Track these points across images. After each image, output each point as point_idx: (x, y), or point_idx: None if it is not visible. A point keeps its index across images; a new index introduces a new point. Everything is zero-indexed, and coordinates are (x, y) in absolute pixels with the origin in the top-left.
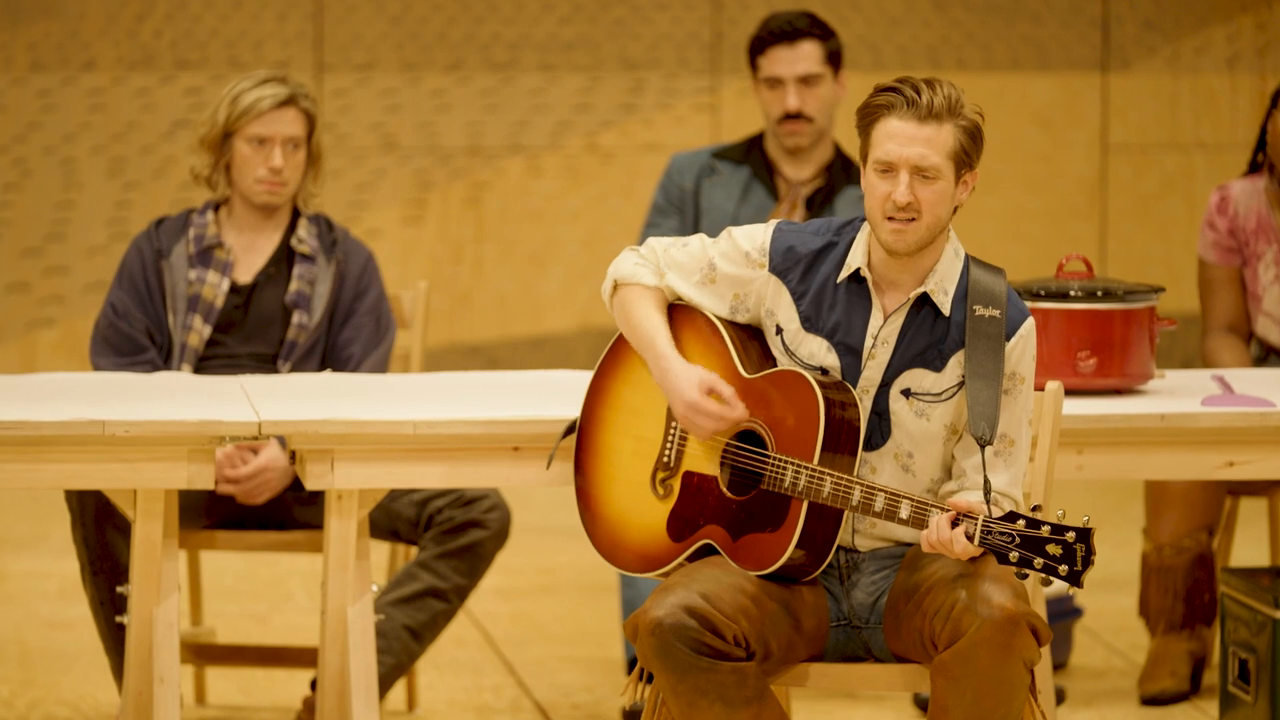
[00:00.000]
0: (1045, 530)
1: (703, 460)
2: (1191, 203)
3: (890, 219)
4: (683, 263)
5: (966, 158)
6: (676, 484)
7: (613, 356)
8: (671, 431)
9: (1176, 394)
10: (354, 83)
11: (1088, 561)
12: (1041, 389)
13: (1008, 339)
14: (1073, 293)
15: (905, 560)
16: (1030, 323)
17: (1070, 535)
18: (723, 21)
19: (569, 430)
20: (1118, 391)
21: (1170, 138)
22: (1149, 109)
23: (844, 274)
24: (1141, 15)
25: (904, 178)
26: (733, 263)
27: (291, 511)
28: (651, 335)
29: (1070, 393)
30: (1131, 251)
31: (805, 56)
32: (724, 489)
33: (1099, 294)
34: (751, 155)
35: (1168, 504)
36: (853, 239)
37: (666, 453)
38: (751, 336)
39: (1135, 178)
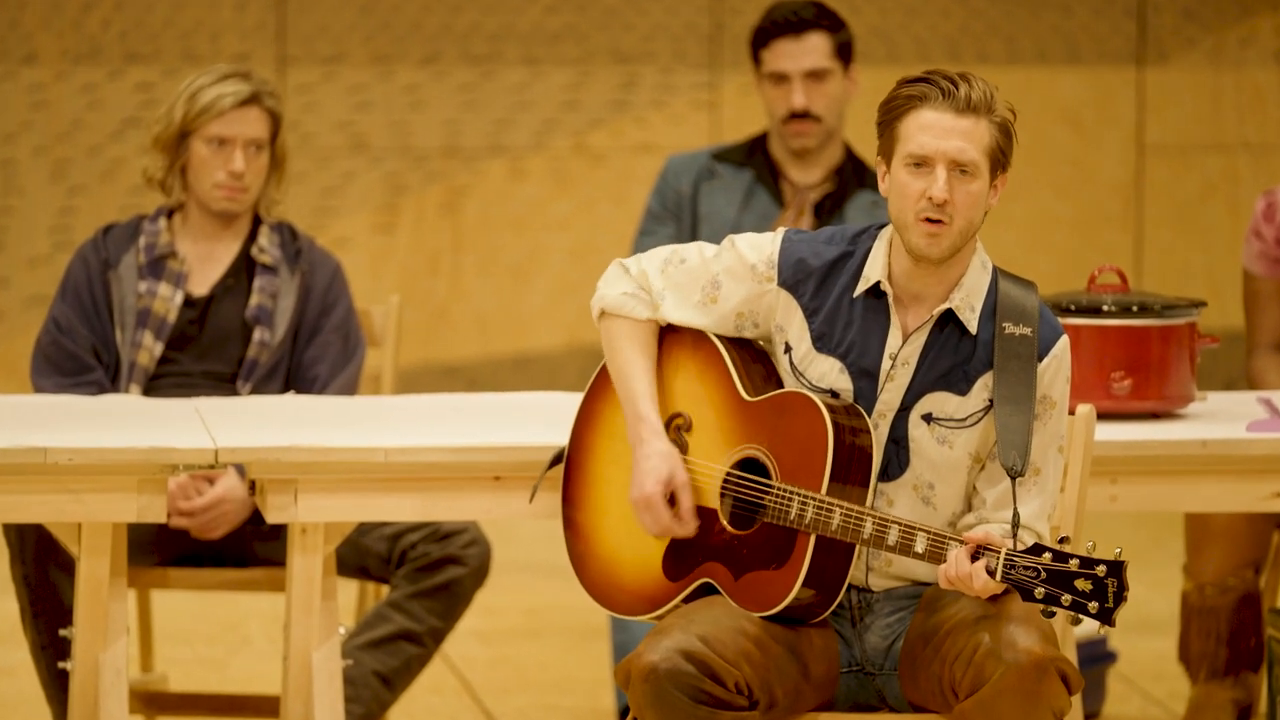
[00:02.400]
0: (1074, 564)
1: (701, 492)
2: (1236, 209)
3: (925, 220)
4: (681, 283)
5: (1002, 157)
6: None
7: (604, 378)
8: None
9: (1219, 418)
10: (320, 78)
11: (1120, 598)
12: (1072, 412)
13: (1040, 359)
14: (1106, 307)
15: (923, 601)
16: (1064, 341)
17: (1101, 569)
18: (723, 11)
19: (556, 459)
20: (1155, 415)
21: (1212, 138)
22: (1189, 106)
23: (861, 288)
24: (1181, 4)
25: (941, 173)
26: (737, 279)
27: (251, 547)
28: (634, 391)
29: (1103, 417)
30: (1170, 262)
31: (813, 50)
32: (724, 523)
33: (1134, 309)
34: (754, 157)
35: (1210, 539)
36: (870, 248)
37: None
38: (755, 356)
39: (1174, 181)
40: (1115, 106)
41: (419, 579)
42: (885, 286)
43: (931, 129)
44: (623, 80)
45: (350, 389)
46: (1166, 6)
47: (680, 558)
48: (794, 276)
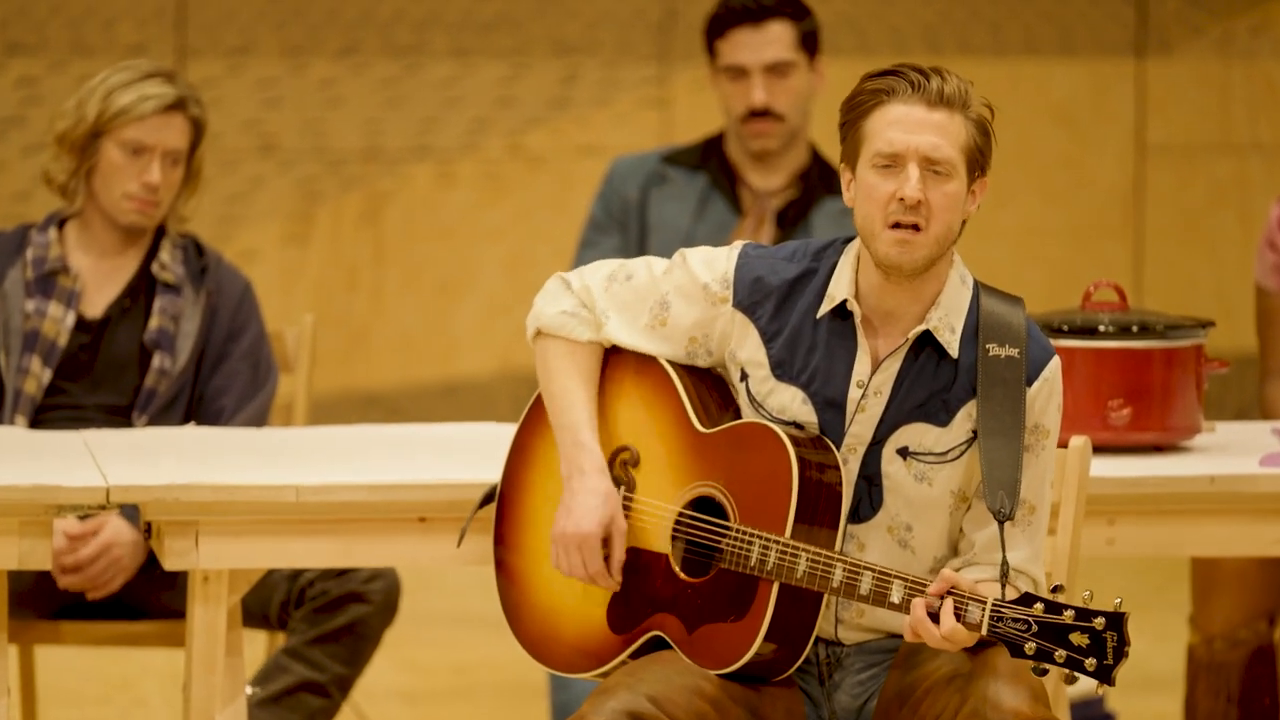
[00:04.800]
0: (1068, 616)
1: (651, 534)
2: (1247, 217)
3: (895, 225)
4: (627, 302)
5: (980, 158)
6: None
7: (540, 407)
8: None
9: (1229, 451)
10: (224, 71)
11: (1120, 654)
12: (1065, 445)
13: (1029, 383)
14: (1102, 327)
15: (899, 656)
16: (1056, 363)
17: (1099, 622)
18: None
19: (487, 498)
20: (1157, 449)
21: (1221, 138)
22: (1195, 103)
23: (825, 307)
24: None
25: (914, 171)
26: (689, 299)
27: (148, 596)
28: (573, 420)
29: (1099, 450)
30: (1174, 277)
31: (774, 40)
32: (676, 569)
33: (1134, 329)
34: (709, 160)
35: (1219, 586)
36: (835, 264)
37: None
38: (711, 383)
39: (1178, 187)
40: (1113, 103)
41: (319, 621)
42: (852, 305)
43: (901, 124)
44: (563, 74)
45: (259, 420)
46: None
47: (627, 608)
48: (750, 297)
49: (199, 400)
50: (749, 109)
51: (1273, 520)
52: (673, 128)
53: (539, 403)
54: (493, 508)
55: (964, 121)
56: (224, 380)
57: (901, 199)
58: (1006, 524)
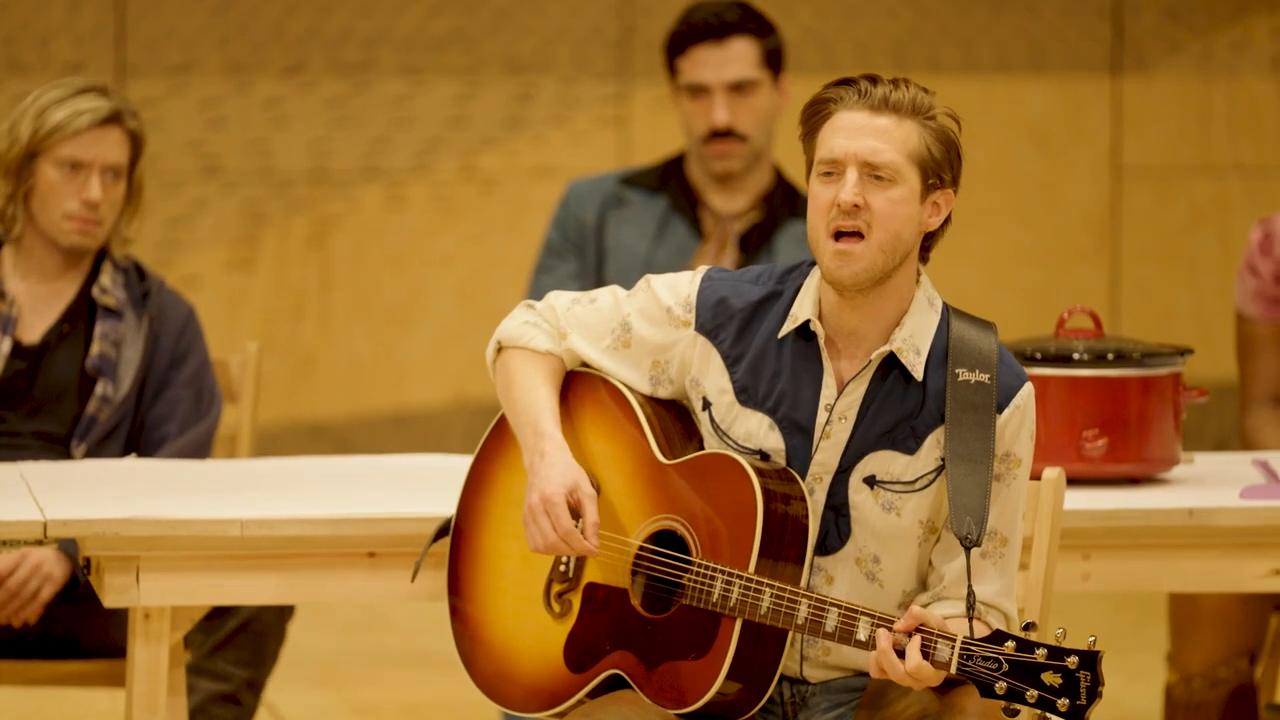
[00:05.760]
0: (1040, 654)
1: (609, 569)
2: (1226, 241)
3: (837, 236)
4: (590, 323)
5: (936, 167)
6: (576, 600)
7: (496, 438)
8: None
9: (1209, 483)
10: (166, 90)
11: (1094, 694)
12: (1039, 477)
13: (999, 410)
14: (1077, 355)
15: (866, 695)
16: (1029, 389)
17: (1072, 661)
18: (634, 13)
19: (441, 532)
20: (1134, 480)
21: (1200, 158)
22: (1173, 122)
23: (788, 327)
24: (1163, 3)
25: (851, 174)
26: (652, 321)
27: (86, 633)
28: (534, 411)
29: (1074, 482)
30: (1151, 303)
31: (737, 58)
32: (636, 605)
33: (1110, 357)
34: (670, 183)
35: (1198, 623)
36: (800, 285)
37: (564, 560)
38: (676, 415)
39: (1156, 209)
40: (1088, 122)
41: (212, 629)
42: (815, 325)
43: (844, 130)
44: (518, 93)
45: (201, 449)
46: (1147, 7)
47: (585, 645)
48: (714, 320)
49: (140, 429)
50: (711, 129)
51: (1254, 555)
52: (631, 148)
53: (495, 432)
54: (447, 542)
55: (915, 128)
56: (166, 408)
57: (839, 204)
58: (977, 556)
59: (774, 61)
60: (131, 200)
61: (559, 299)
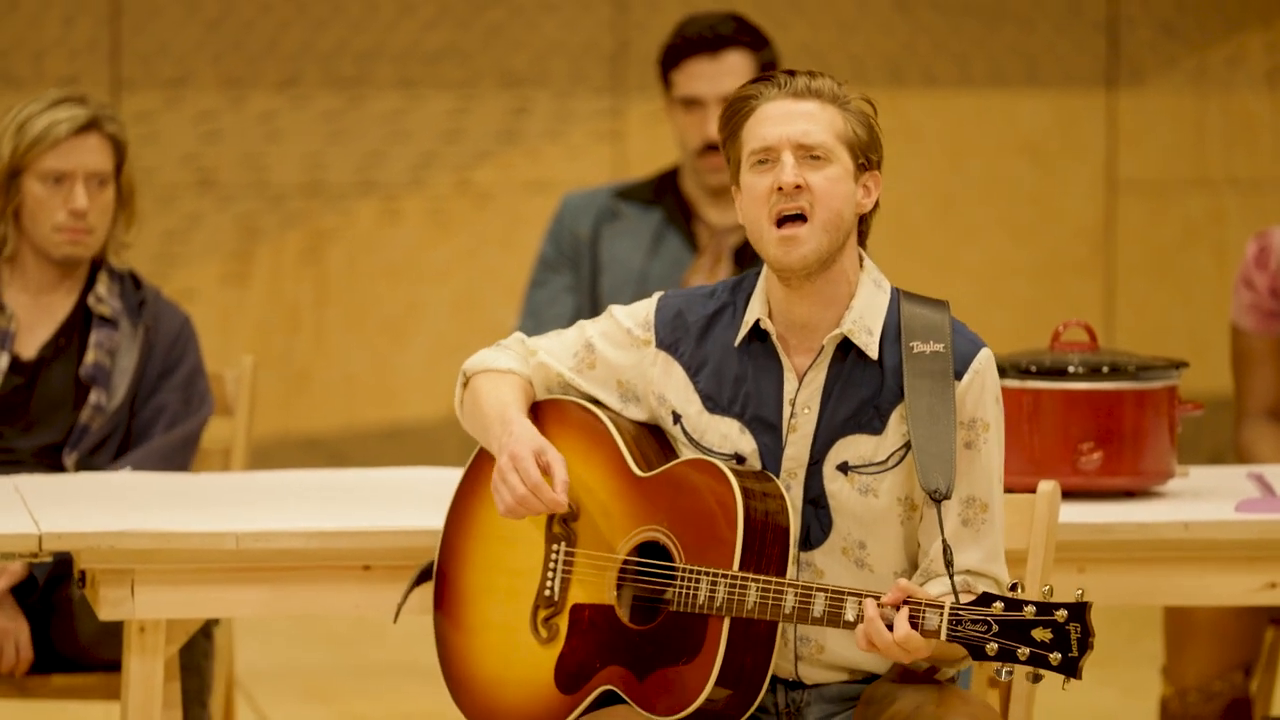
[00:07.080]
0: (1029, 611)
1: (594, 587)
2: (1221, 254)
3: (781, 222)
4: (555, 348)
5: (864, 147)
6: (563, 623)
7: (476, 472)
8: (553, 557)
9: (1204, 497)
10: (161, 104)
11: (1085, 645)
12: (1033, 490)
13: (958, 377)
14: (1072, 369)
15: (863, 699)
16: (986, 354)
17: (1061, 614)
18: (628, 27)
19: (422, 575)
20: (1129, 494)
21: (1195, 172)
22: (1168, 136)
23: (743, 332)
24: (1158, 18)
25: (788, 158)
26: (615, 344)
27: (82, 646)
28: (500, 409)
29: (1069, 495)
30: (1146, 316)
31: (731, 71)
32: (624, 619)
33: (1105, 370)
34: (664, 196)
35: (1193, 637)
36: (751, 292)
37: (548, 584)
38: (650, 431)
39: (1150, 223)
40: (1083, 136)
41: None
42: (765, 324)
43: (771, 119)
44: (512, 106)
45: (187, 447)
46: (1142, 21)
47: (576, 666)
48: (672, 334)
49: (130, 437)
50: (705, 142)
51: (1249, 568)
52: (627, 162)
53: (473, 468)
54: (430, 584)
55: (838, 112)
56: (152, 413)
57: (780, 188)
58: (959, 524)
59: None
60: (124, 205)
61: (525, 337)
